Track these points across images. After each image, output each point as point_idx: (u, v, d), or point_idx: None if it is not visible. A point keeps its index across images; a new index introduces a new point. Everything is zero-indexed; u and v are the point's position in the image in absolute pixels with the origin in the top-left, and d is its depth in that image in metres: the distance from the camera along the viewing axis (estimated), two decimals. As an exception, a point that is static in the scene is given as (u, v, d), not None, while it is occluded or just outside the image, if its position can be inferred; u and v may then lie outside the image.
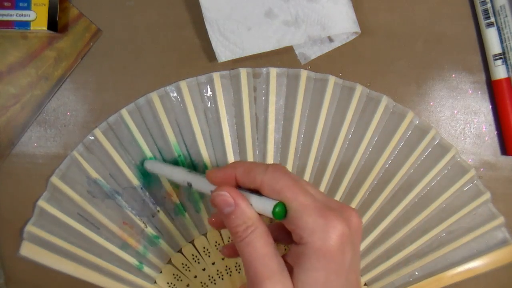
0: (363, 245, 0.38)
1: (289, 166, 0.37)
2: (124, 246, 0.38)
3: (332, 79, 0.37)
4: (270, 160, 0.37)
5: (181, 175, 0.32)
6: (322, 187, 0.37)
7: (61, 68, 0.37)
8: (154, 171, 0.36)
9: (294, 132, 0.37)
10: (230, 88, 0.37)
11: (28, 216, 0.37)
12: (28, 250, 0.37)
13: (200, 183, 0.30)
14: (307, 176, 0.37)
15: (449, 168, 0.37)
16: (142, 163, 0.37)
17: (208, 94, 0.37)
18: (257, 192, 0.26)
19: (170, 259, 0.38)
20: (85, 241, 0.37)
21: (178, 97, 0.37)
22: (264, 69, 0.37)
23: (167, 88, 0.37)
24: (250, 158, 0.37)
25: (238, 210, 0.25)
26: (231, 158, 0.37)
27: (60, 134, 0.38)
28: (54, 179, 0.37)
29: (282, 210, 0.24)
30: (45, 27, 0.35)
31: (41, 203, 0.37)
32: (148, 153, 0.37)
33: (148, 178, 0.37)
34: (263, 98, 0.37)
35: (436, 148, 0.37)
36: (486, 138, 0.38)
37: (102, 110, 0.37)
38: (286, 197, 0.24)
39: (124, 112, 0.37)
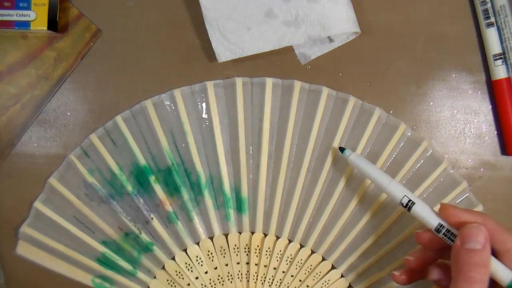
0: (354, 257, 0.37)
1: (282, 177, 0.37)
2: (119, 250, 0.38)
3: (325, 91, 0.36)
4: (263, 171, 0.37)
5: (397, 187, 0.31)
6: (314, 199, 0.37)
7: (61, 68, 0.37)
8: (356, 164, 0.34)
9: (287, 143, 0.37)
10: (224, 97, 0.37)
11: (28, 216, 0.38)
12: (24, 249, 0.37)
13: (426, 210, 0.30)
14: (299, 187, 0.37)
15: (441, 180, 0.37)
16: (136, 169, 0.37)
17: (202, 103, 0.37)
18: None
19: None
20: (80, 244, 0.37)
21: (172, 105, 0.37)
22: (259, 79, 0.37)
23: (162, 96, 0.37)
24: (243, 168, 0.37)
25: (484, 254, 0.26)
26: (224, 168, 0.37)
27: (60, 134, 0.38)
28: (52, 181, 0.37)
29: None
30: (45, 27, 0.35)
31: (37, 204, 0.37)
32: (142, 161, 0.37)
33: (142, 185, 0.37)
34: (257, 108, 0.37)
35: (428, 160, 0.37)
36: (486, 138, 0.38)
37: (102, 110, 0.37)
38: None
39: (119, 119, 0.37)
